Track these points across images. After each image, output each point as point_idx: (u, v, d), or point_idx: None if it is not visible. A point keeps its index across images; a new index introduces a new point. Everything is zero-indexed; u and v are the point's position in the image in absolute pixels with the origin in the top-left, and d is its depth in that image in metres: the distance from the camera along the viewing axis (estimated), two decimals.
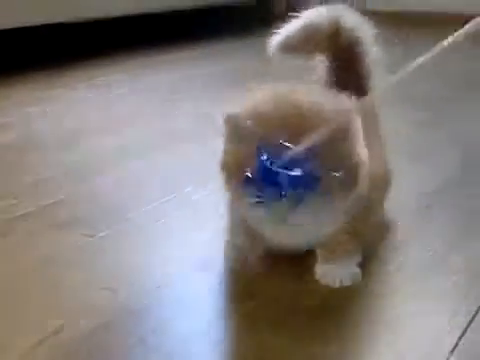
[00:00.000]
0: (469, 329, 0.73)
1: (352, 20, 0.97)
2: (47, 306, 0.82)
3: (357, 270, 0.86)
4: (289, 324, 0.76)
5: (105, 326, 0.76)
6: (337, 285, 0.84)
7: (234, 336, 0.76)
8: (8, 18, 2.29)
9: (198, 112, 1.76)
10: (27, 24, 2.40)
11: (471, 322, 0.74)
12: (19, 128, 1.67)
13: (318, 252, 0.86)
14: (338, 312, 0.79)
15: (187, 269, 0.90)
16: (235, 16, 3.56)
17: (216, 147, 0.82)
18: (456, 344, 0.70)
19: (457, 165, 1.30)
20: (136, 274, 0.89)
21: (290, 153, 0.73)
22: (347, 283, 0.84)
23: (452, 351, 0.68)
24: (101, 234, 1.02)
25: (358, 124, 0.80)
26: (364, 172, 0.79)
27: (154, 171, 1.33)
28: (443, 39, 0.72)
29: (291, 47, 0.97)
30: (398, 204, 1.04)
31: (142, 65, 2.53)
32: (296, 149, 0.73)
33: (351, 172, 0.77)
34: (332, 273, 0.85)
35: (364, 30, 0.98)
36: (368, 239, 0.89)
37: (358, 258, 0.87)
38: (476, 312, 0.76)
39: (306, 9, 0.95)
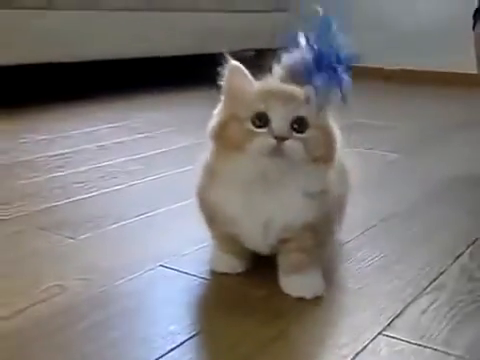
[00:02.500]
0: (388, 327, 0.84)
1: None
2: (27, 284, 0.95)
3: (322, 281, 0.90)
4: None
5: (71, 307, 0.89)
6: (310, 297, 0.88)
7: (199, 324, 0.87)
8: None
9: (178, 145, 1.91)
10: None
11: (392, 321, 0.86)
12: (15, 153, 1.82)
13: (281, 261, 0.91)
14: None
15: (151, 267, 1.02)
16: None
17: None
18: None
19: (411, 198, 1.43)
20: (107, 270, 1.01)
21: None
22: (319, 294, 0.89)
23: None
24: (82, 237, 1.15)
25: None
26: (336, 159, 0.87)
27: (135, 191, 1.46)
28: None
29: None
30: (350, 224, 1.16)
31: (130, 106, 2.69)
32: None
33: (332, 143, 0.85)
34: (302, 285, 0.89)
35: None
36: (328, 251, 0.96)
37: (320, 269, 0.92)
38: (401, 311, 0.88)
39: None
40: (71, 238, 1.15)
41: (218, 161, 0.88)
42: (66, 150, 1.84)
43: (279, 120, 0.82)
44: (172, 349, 0.78)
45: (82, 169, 1.64)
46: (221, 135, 0.86)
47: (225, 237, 0.95)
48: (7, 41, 2.40)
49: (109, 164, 1.70)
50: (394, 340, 0.80)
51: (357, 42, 0.85)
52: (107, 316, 0.87)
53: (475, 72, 1.77)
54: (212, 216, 0.94)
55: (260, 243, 0.91)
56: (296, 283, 0.89)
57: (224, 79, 0.87)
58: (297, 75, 0.87)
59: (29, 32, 2.46)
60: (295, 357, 0.77)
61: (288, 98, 0.83)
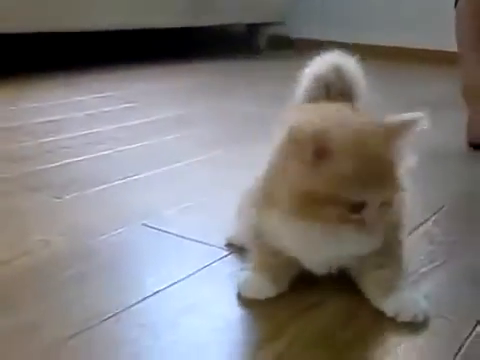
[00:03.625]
0: None
1: (348, 67, 0.95)
2: (14, 238, 1.01)
3: (425, 303, 0.82)
4: None
5: (55, 260, 0.95)
6: (421, 320, 0.80)
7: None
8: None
9: (163, 116, 1.96)
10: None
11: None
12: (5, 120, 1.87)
13: (368, 283, 0.84)
14: None
15: (134, 226, 1.08)
16: (225, 38, 3.88)
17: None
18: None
19: None
20: (90, 227, 1.07)
21: None
22: (420, 318, 0.80)
23: None
24: (68, 197, 1.21)
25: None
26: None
27: (121, 157, 1.52)
28: None
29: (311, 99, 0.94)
30: None
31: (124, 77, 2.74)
32: None
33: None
34: (406, 306, 0.80)
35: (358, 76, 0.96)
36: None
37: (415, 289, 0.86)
38: None
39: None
40: (57, 198, 1.20)
41: (294, 218, 0.78)
42: (55, 117, 1.89)
43: (374, 210, 0.76)
44: (147, 297, 0.84)
45: (70, 135, 1.69)
46: (304, 207, 0.76)
47: (267, 260, 0.86)
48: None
49: (97, 131, 1.75)
50: None
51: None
52: (88, 268, 0.92)
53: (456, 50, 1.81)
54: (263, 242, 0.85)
55: (319, 268, 0.85)
56: (399, 302, 0.81)
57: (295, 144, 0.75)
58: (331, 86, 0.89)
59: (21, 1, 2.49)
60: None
61: (383, 182, 0.76)
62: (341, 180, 0.74)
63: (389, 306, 0.80)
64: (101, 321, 0.77)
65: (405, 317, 0.79)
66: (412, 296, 0.81)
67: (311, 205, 0.75)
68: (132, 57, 3.20)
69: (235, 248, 0.98)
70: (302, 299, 0.84)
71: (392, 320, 0.79)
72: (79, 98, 2.22)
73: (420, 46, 3.51)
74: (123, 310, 0.80)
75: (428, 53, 3.47)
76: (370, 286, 0.83)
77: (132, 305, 0.82)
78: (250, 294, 0.85)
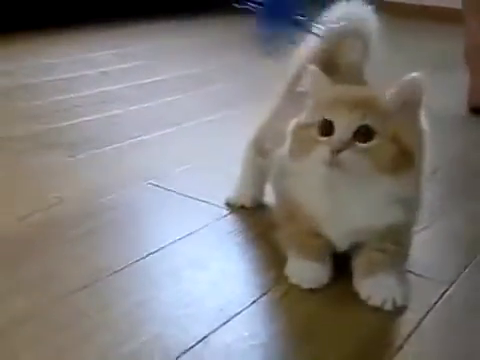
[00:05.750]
0: None
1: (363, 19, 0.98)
2: (29, 195, 1.09)
3: (405, 288, 0.82)
4: None
5: (67, 216, 1.02)
6: (389, 308, 0.79)
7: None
8: None
9: (176, 74, 2.01)
10: None
11: None
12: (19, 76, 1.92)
13: (358, 262, 0.84)
14: None
15: (140, 185, 1.15)
16: None
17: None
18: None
19: None
20: (101, 186, 1.14)
21: None
22: (400, 303, 0.79)
23: None
24: (80, 156, 1.28)
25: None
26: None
27: (132, 116, 1.58)
28: None
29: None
30: None
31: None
32: None
33: (409, 149, 0.77)
34: (381, 289, 0.80)
35: (369, 29, 0.98)
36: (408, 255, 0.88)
37: (403, 274, 0.85)
38: None
39: None
40: (71, 157, 1.27)
41: (291, 160, 0.83)
42: (68, 75, 1.95)
43: (341, 130, 0.76)
44: (152, 252, 0.91)
45: (83, 94, 1.75)
46: (295, 137, 0.83)
47: (303, 239, 0.86)
48: None
49: (109, 90, 1.81)
50: None
51: None
52: (98, 225, 1.00)
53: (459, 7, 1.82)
54: (293, 212, 0.86)
55: (342, 240, 0.84)
56: (374, 287, 0.81)
57: (307, 84, 0.84)
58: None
59: None
60: None
61: (356, 105, 0.77)
62: (317, 106, 0.80)
63: (363, 288, 0.81)
64: (110, 274, 0.85)
65: (374, 301, 0.79)
66: (389, 282, 0.81)
67: (301, 143, 0.81)
68: (145, 12, 3.21)
69: (234, 208, 1.05)
70: None
71: None
72: (92, 55, 2.27)
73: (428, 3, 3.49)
74: (130, 264, 0.88)
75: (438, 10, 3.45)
76: (357, 267, 0.84)
77: (138, 259, 0.89)
78: (311, 285, 0.83)
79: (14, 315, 0.75)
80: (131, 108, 1.64)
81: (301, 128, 0.82)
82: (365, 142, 0.76)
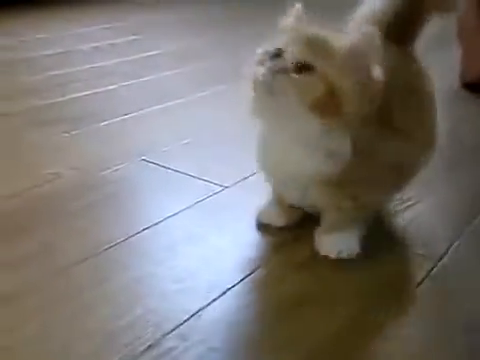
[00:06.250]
0: None
1: None
2: (27, 170, 1.11)
3: (356, 245, 0.87)
4: None
5: (64, 191, 1.05)
6: (334, 257, 0.86)
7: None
8: None
9: (169, 49, 2.02)
10: None
11: None
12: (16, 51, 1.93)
13: (322, 219, 0.89)
14: None
15: (134, 161, 1.17)
16: None
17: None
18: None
19: None
20: (96, 162, 1.16)
21: None
22: (343, 256, 0.86)
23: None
24: (75, 132, 1.30)
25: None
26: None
27: (126, 91, 1.59)
28: None
29: None
30: None
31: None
32: None
33: (343, 96, 0.77)
34: (331, 244, 0.87)
35: None
36: (372, 211, 0.91)
37: (360, 230, 0.88)
38: None
39: None
40: (66, 132, 1.29)
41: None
42: (61, 50, 1.96)
43: (284, 57, 0.78)
44: (147, 227, 0.94)
45: (78, 69, 1.76)
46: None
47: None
48: None
49: (103, 65, 1.82)
50: None
51: None
52: (96, 199, 1.02)
53: None
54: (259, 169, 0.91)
55: (293, 198, 0.90)
56: (327, 242, 0.88)
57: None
58: None
59: None
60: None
61: (307, 41, 0.79)
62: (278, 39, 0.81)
63: (320, 245, 0.88)
64: (106, 248, 0.87)
65: (331, 254, 0.86)
66: (342, 236, 0.87)
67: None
68: None
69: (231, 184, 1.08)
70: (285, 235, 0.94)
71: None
72: (85, 29, 2.28)
73: None
74: (126, 239, 0.90)
75: None
76: (317, 229, 0.90)
77: (134, 234, 0.91)
78: (265, 221, 0.95)
79: (16, 287, 0.78)
80: (124, 83, 1.65)
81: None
82: (299, 74, 0.77)
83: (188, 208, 1.00)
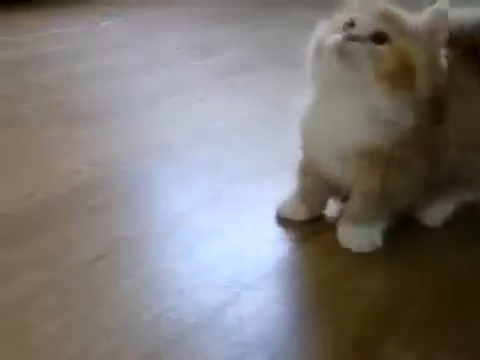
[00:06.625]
0: None
1: None
2: (41, 169, 1.11)
3: (378, 238, 0.86)
4: None
5: (84, 187, 1.05)
6: (355, 250, 0.85)
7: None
8: None
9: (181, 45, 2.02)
10: None
11: None
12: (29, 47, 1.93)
13: (345, 209, 0.89)
14: None
15: (151, 156, 1.17)
16: None
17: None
18: None
19: None
20: (112, 158, 1.16)
21: None
22: (365, 250, 0.85)
23: None
24: (91, 128, 1.31)
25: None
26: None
27: (139, 86, 1.59)
28: None
29: None
30: None
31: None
32: None
33: (413, 68, 0.78)
34: (353, 237, 0.86)
35: None
36: (399, 204, 0.87)
37: (383, 224, 0.87)
38: None
39: None
40: (81, 129, 1.30)
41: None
42: (74, 46, 1.96)
43: (358, 26, 0.79)
44: (167, 222, 0.93)
45: (91, 65, 1.76)
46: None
47: (304, 185, 0.93)
48: None
49: (116, 60, 1.81)
50: None
51: None
52: (112, 195, 1.02)
53: None
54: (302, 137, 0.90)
55: (334, 171, 0.87)
56: (348, 234, 0.87)
57: None
58: None
59: None
60: None
61: (381, 14, 0.80)
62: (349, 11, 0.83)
63: (342, 237, 0.87)
64: (123, 244, 0.87)
65: (352, 246, 0.85)
66: (364, 228, 0.85)
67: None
68: None
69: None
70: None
71: None
72: (96, 25, 2.28)
73: None
74: (145, 234, 0.90)
75: None
76: (340, 220, 0.89)
77: (152, 230, 0.91)
78: (286, 215, 0.94)
79: (35, 286, 0.77)
80: (140, 79, 1.65)
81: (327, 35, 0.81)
82: (375, 44, 0.78)
83: (204, 202, 0.99)
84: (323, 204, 0.94)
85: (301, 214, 0.94)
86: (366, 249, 0.85)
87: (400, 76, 0.78)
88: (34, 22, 2.27)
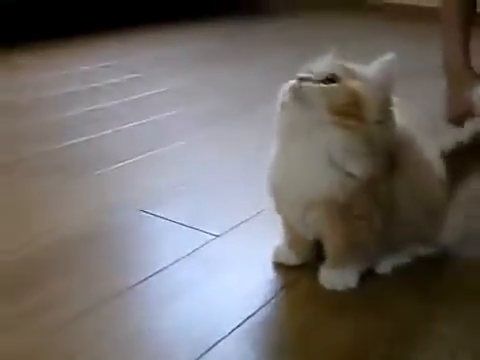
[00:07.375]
0: None
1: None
2: (25, 224, 1.17)
3: (352, 280, 0.95)
4: None
5: (69, 241, 1.11)
6: (328, 288, 0.94)
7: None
8: None
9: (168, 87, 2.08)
10: None
11: None
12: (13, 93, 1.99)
13: (327, 257, 0.96)
14: None
15: (132, 211, 1.23)
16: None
17: None
18: None
19: None
20: (93, 211, 1.22)
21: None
22: (338, 289, 0.94)
23: None
24: (70, 181, 1.36)
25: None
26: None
27: (123, 137, 1.64)
28: None
29: None
30: None
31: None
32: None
33: (364, 102, 0.86)
34: (329, 278, 0.95)
35: None
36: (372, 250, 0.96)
37: (360, 267, 0.96)
38: None
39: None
40: (63, 182, 1.34)
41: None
42: (59, 92, 2.02)
43: (313, 73, 0.88)
44: (151, 275, 0.99)
45: (75, 112, 1.81)
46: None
47: (286, 226, 1.01)
48: None
49: (101, 107, 1.87)
50: None
51: None
52: (94, 250, 1.08)
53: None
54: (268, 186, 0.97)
55: (298, 221, 0.95)
56: (325, 274, 0.96)
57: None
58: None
59: None
60: None
61: (333, 62, 0.90)
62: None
63: (321, 277, 0.96)
64: (109, 300, 0.92)
65: (326, 285, 0.94)
66: (341, 270, 0.94)
67: None
68: (133, 20, 3.21)
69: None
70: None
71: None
72: (84, 68, 2.33)
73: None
74: (130, 288, 0.95)
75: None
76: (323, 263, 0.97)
77: (136, 283, 0.96)
78: (279, 260, 1.02)
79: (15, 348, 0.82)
80: (122, 128, 1.69)
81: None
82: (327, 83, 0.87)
83: (185, 258, 1.04)
84: (312, 248, 1.00)
85: (291, 260, 1.01)
86: (339, 288, 0.94)
87: (350, 108, 0.85)
88: (10, 67, 2.31)
